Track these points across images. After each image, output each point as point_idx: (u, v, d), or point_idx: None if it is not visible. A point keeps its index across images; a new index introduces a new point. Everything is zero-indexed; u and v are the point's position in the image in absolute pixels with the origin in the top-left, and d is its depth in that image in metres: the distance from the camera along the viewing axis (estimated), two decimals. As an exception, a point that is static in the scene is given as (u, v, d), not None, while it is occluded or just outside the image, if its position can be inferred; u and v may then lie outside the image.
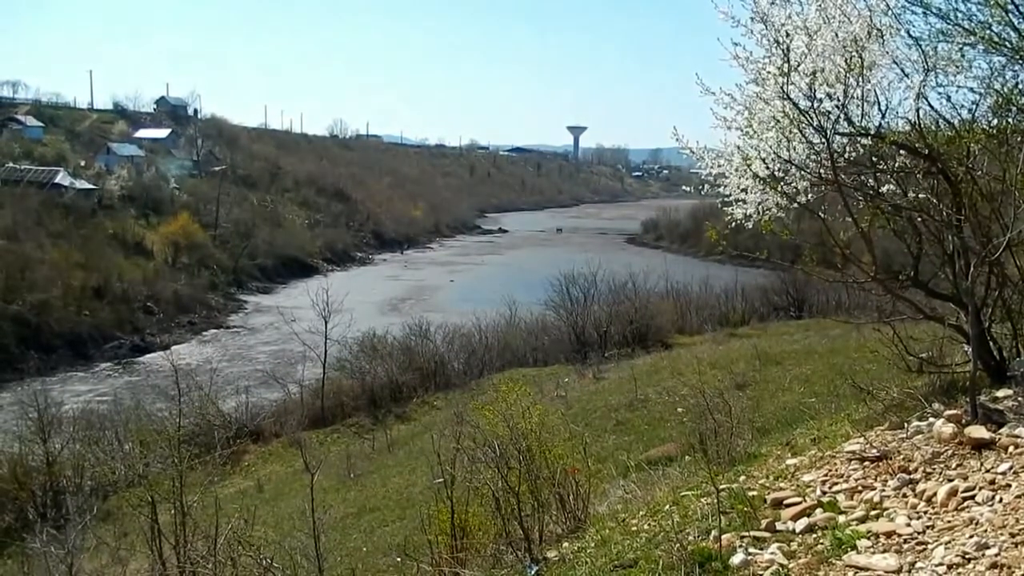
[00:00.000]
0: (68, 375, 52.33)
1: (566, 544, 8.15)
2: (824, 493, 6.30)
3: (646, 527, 7.34)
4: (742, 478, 7.79)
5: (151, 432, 27.41)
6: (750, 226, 8.79)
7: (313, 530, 8.58)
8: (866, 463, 6.60)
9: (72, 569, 8.43)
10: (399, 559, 12.62)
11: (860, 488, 6.17)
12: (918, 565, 4.68)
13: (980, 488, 5.43)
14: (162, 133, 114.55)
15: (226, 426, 32.61)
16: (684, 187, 12.08)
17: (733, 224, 8.98)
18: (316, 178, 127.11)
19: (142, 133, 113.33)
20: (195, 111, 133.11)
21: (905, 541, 5.05)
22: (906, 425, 7.19)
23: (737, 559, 5.35)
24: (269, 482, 27.98)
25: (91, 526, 15.43)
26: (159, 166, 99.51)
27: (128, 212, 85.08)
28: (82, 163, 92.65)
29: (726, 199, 8.86)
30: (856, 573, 4.79)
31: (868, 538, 5.20)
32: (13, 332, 54.71)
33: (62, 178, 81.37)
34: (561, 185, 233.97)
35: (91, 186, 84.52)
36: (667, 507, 7.69)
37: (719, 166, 8.72)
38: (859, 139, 8.25)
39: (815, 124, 7.93)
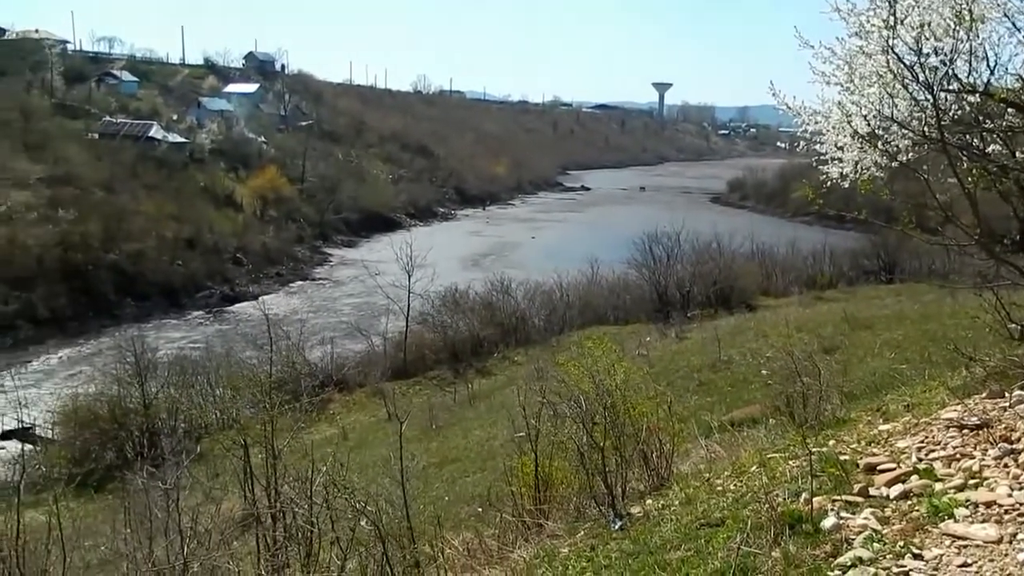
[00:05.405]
0: (162, 322, 54.33)
1: (650, 501, 8.16)
2: (920, 460, 6.15)
3: (732, 487, 7.31)
4: (831, 442, 7.65)
5: (242, 378, 28.34)
6: (846, 185, 8.54)
7: (401, 477, 8.77)
8: (965, 431, 6.41)
9: (176, 505, 8.83)
10: (480, 509, 12.82)
11: (958, 456, 6.00)
12: (1019, 536, 4.55)
13: (1088, 460, 5.26)
14: (251, 88, 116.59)
15: (313, 375, 33.52)
16: (779, 143, 11.84)
17: (828, 183, 8.74)
18: (399, 134, 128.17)
19: (231, 88, 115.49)
20: (282, 66, 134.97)
21: (1006, 512, 4.90)
22: (1007, 394, 6.96)
23: (828, 522, 5.29)
24: (353, 430, 28.71)
25: (185, 466, 16.08)
26: (247, 120, 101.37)
27: (218, 165, 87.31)
28: (174, 117, 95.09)
29: (821, 157, 8.62)
30: (953, 542, 4.69)
31: (966, 507, 5.07)
32: (111, 280, 57.14)
33: (156, 131, 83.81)
34: (645, 143, 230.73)
35: (183, 139, 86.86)
36: (753, 468, 7.63)
37: (816, 123, 8.47)
38: (965, 96, 7.91)
39: (921, 80, 7.62)
